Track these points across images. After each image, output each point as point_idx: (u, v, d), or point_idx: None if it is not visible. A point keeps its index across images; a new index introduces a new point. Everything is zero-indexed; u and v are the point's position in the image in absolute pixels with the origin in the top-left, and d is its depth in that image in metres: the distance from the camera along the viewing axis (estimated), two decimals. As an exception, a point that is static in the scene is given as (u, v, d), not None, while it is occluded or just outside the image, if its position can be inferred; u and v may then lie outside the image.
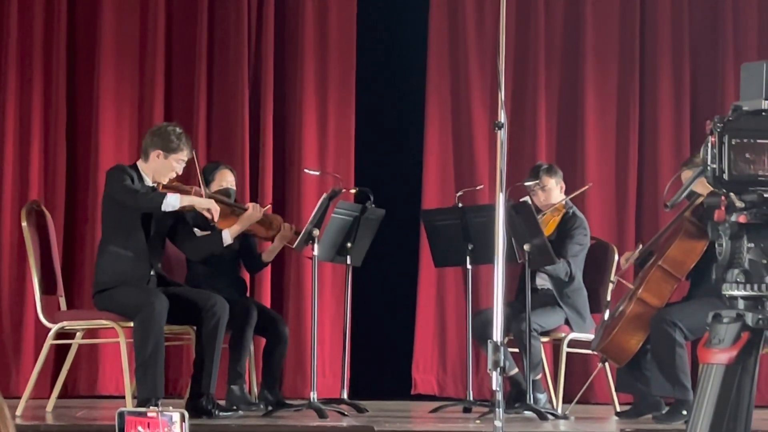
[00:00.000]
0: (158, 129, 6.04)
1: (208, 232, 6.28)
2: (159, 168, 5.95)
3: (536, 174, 6.79)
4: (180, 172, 6.02)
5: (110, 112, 7.69)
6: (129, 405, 5.76)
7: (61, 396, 6.54)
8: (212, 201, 5.93)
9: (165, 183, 5.98)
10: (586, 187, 6.82)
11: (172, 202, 5.78)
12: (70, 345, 6.39)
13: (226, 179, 6.58)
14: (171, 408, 3.72)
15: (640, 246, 6.48)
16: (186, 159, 6.00)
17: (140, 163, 6.00)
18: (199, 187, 6.06)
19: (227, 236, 6.10)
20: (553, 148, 8.20)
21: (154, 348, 5.69)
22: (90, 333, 6.51)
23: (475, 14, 8.15)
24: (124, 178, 5.86)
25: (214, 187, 6.49)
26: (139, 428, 3.50)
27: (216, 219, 5.92)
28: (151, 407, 3.43)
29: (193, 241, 6.27)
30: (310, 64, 7.99)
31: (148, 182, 5.97)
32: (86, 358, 7.47)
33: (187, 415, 3.84)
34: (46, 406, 6.38)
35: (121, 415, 3.62)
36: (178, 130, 6.01)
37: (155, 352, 5.69)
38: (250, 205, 6.26)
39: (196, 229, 6.32)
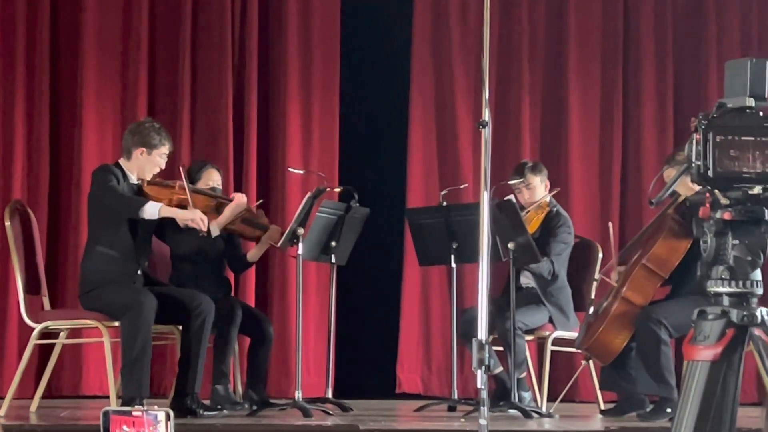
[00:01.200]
0: (137, 127, 6.03)
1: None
2: (143, 165, 5.96)
3: (521, 172, 6.79)
4: (163, 167, 6.03)
5: (93, 112, 7.68)
6: (113, 405, 5.75)
7: (45, 396, 6.52)
8: (196, 211, 5.90)
9: (149, 179, 5.97)
10: (554, 191, 6.82)
11: (151, 210, 5.77)
12: (54, 345, 6.37)
13: (213, 178, 6.57)
14: (156, 407, 3.72)
15: (616, 246, 6.46)
16: (168, 152, 6.00)
17: (123, 162, 5.99)
18: (182, 181, 6.04)
19: (215, 228, 6.08)
20: (537, 146, 8.21)
21: (142, 347, 5.67)
22: (74, 333, 6.49)
23: (459, 13, 8.16)
24: (109, 179, 5.85)
25: (201, 186, 6.47)
26: (124, 427, 3.50)
27: (204, 229, 5.90)
28: (136, 406, 3.42)
29: (180, 235, 6.26)
30: (294, 63, 7.98)
31: (133, 179, 5.97)
32: (70, 357, 7.45)
33: (172, 414, 3.84)
34: (29, 406, 6.36)
35: (106, 414, 3.62)
36: (156, 125, 6.04)
37: (143, 351, 5.68)
38: (235, 195, 6.26)
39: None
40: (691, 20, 8.42)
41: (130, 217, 5.83)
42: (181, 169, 6.14)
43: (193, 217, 5.87)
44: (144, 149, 5.93)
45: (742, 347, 2.37)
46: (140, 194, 5.94)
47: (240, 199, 6.20)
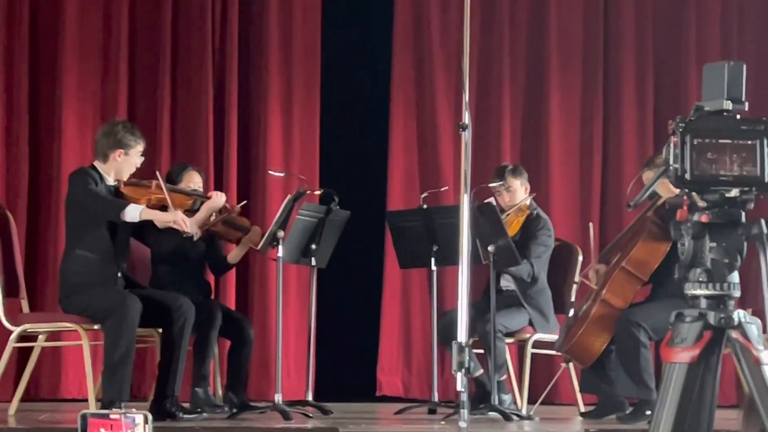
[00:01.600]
0: (110, 129, 5.98)
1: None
2: (121, 166, 5.92)
3: (501, 175, 6.80)
4: (139, 166, 6.00)
5: (73, 114, 7.65)
6: (92, 408, 5.73)
7: (23, 399, 6.49)
8: (176, 213, 5.87)
9: (125, 180, 5.94)
10: (531, 196, 6.83)
11: (132, 213, 5.75)
12: (32, 348, 6.35)
13: (194, 180, 6.54)
14: (134, 410, 3.71)
15: (596, 248, 6.47)
16: (143, 151, 5.97)
17: (99, 164, 5.94)
18: (158, 179, 6.01)
19: (193, 226, 6.03)
20: (518, 149, 8.23)
21: (125, 351, 5.65)
22: (53, 336, 6.46)
23: (440, 16, 8.16)
24: (88, 181, 5.83)
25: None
26: (102, 430, 3.49)
27: (187, 229, 5.87)
28: (114, 409, 3.41)
29: (159, 235, 6.24)
30: (275, 66, 7.97)
31: (110, 181, 5.93)
32: (49, 360, 7.42)
33: (150, 417, 3.83)
34: (8, 409, 6.33)
35: (84, 417, 3.61)
36: (128, 125, 6.04)
37: (125, 355, 5.65)
38: (213, 193, 6.24)
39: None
40: (671, 25, 8.45)
41: (112, 219, 5.81)
42: (157, 173, 6.09)
43: (174, 219, 5.84)
44: (122, 150, 5.91)
45: (720, 349, 2.38)
46: (118, 195, 5.90)
47: (217, 197, 6.17)
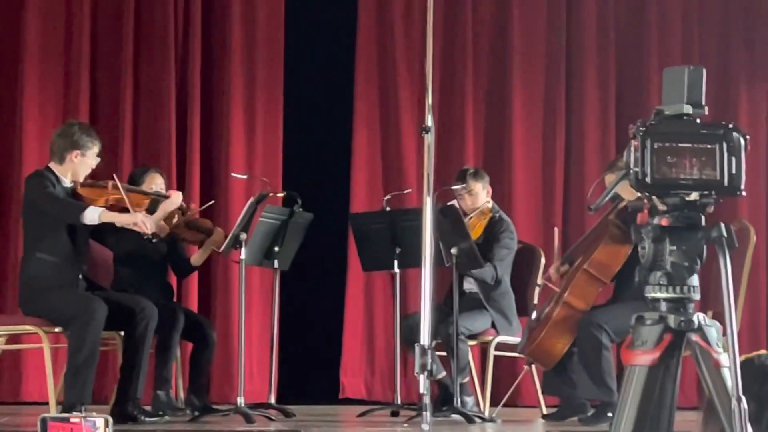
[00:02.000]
0: (66, 131, 5.93)
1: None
2: (77, 168, 5.88)
3: (463, 178, 6.82)
4: (95, 167, 5.96)
5: (35, 117, 7.60)
6: (53, 411, 5.69)
7: (-17, 402, 6.45)
8: (137, 215, 5.83)
9: (82, 181, 5.90)
10: (487, 203, 6.86)
11: (91, 215, 5.71)
12: (-8, 351, 6.30)
13: (156, 182, 6.51)
14: (95, 414, 3.69)
15: (560, 251, 6.50)
16: (99, 152, 5.94)
17: (54, 166, 5.88)
18: (114, 180, 5.98)
19: (153, 226, 5.98)
20: (481, 151, 8.25)
21: (89, 355, 5.61)
22: (13, 338, 6.41)
23: (403, 18, 8.17)
24: (46, 184, 5.78)
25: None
26: (62, 434, 3.47)
27: (149, 230, 5.83)
28: (74, 413, 3.39)
29: (116, 236, 6.21)
30: (238, 67, 7.96)
31: (66, 183, 5.88)
32: (9, 364, 7.37)
33: (111, 420, 3.81)
34: (-32, 412, 6.29)
35: (44, 420, 3.59)
36: (84, 126, 6.02)
37: (89, 358, 5.61)
38: (171, 193, 6.21)
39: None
40: (633, 29, 8.50)
41: (71, 222, 5.77)
42: (114, 176, 6.04)
43: (135, 221, 5.81)
44: (78, 152, 5.86)
45: (680, 352, 2.39)
46: (74, 197, 5.86)
47: (175, 197, 6.14)
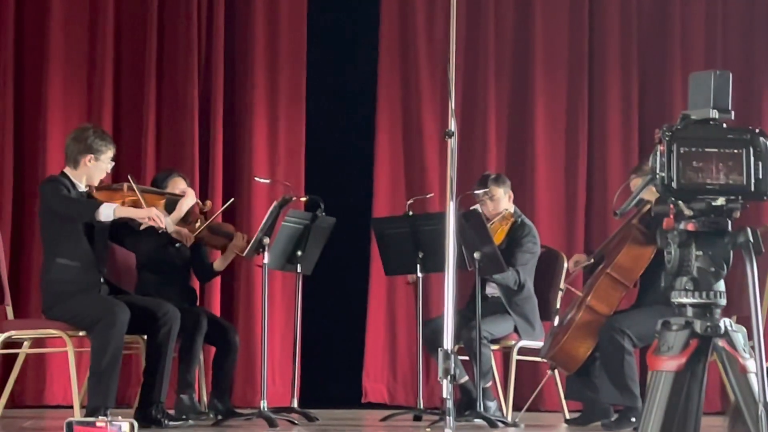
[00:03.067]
0: (80, 135, 5.95)
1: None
2: (92, 172, 5.90)
3: (484, 183, 6.81)
4: (109, 171, 5.98)
5: (58, 123, 7.62)
6: (77, 415, 5.70)
7: (7, 406, 6.46)
8: (151, 209, 5.86)
9: (96, 185, 5.93)
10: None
11: (106, 212, 5.72)
12: (17, 354, 6.32)
13: (179, 187, 6.52)
14: (120, 417, 3.70)
15: (591, 257, 6.49)
16: (113, 156, 5.96)
17: (69, 171, 5.91)
18: (129, 181, 6.00)
19: (169, 223, 6.00)
20: (503, 156, 8.23)
21: (112, 358, 5.63)
22: (37, 342, 6.44)
23: (426, 24, 8.17)
24: (59, 188, 5.80)
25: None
26: (88, 438, 3.48)
27: (162, 225, 5.84)
28: (99, 417, 3.40)
29: (136, 237, 6.23)
30: (261, 72, 7.97)
31: (81, 188, 5.91)
32: (33, 367, 7.40)
33: (136, 424, 3.82)
34: (-8, 416, 6.32)
35: (69, 425, 3.60)
36: (98, 130, 6.03)
37: (113, 362, 5.64)
38: (185, 191, 6.23)
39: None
40: (655, 33, 8.47)
41: (86, 221, 5.78)
42: (129, 176, 6.08)
43: (148, 215, 5.81)
44: (92, 156, 5.88)
45: (706, 358, 2.38)
46: None
47: (189, 197, 6.19)
